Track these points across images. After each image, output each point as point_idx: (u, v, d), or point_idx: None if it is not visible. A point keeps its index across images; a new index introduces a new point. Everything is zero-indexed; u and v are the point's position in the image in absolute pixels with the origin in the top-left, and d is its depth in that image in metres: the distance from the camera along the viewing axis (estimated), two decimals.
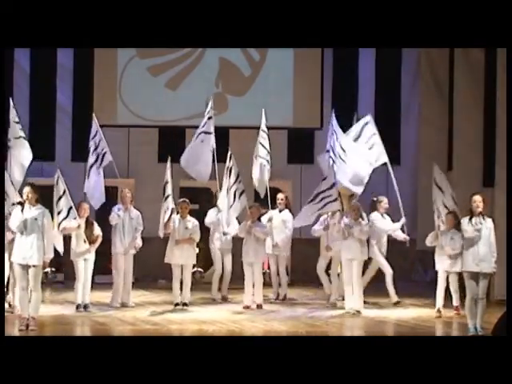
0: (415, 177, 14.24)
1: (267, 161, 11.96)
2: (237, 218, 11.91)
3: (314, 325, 10.25)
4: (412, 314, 11.20)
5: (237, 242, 12.03)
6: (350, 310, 10.99)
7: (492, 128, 12.40)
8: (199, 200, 12.32)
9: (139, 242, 11.54)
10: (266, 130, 12.04)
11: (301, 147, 15.12)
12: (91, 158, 11.51)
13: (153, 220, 11.57)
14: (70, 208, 10.49)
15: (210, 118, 11.86)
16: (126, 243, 11.37)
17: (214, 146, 11.79)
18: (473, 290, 9.27)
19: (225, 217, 11.48)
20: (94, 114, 11.79)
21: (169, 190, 11.07)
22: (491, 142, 12.43)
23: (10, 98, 11.77)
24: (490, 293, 11.17)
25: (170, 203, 11.02)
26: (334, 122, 11.69)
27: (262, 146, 12.00)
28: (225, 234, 11.87)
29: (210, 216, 12.08)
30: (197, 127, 12.06)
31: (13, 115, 11.41)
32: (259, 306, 11.30)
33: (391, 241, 12.09)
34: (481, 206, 9.28)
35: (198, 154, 11.76)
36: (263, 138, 12.03)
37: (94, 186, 11.40)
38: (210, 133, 11.82)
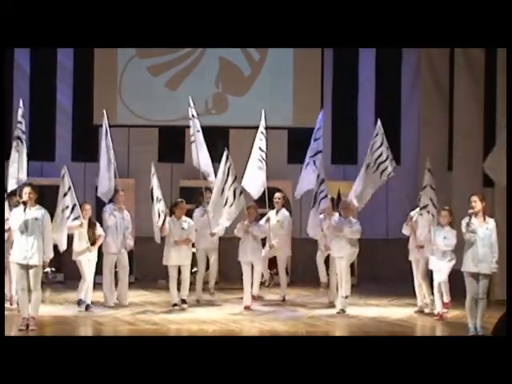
0: (415, 177, 14.22)
1: (263, 161, 11.90)
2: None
3: (314, 325, 10.26)
4: (412, 313, 11.20)
5: (236, 242, 12.02)
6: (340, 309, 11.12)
7: (492, 128, 12.40)
8: (199, 200, 12.27)
9: (131, 242, 11.57)
10: (264, 131, 11.98)
11: (301, 147, 15.06)
12: (108, 155, 11.50)
13: (152, 220, 11.56)
14: (74, 205, 10.53)
15: (193, 117, 11.84)
16: (118, 243, 11.40)
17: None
18: (473, 289, 9.28)
19: (217, 216, 11.45)
20: (104, 111, 11.74)
21: (159, 195, 11.05)
22: (491, 141, 12.42)
23: (21, 100, 11.75)
24: (490, 293, 11.17)
25: (162, 206, 11.02)
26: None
27: (259, 148, 11.97)
28: (212, 234, 11.81)
29: (195, 217, 11.98)
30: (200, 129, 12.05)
31: (18, 115, 11.42)
32: (255, 298, 11.34)
33: (391, 241, 12.09)
34: (475, 207, 9.28)
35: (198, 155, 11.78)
36: (260, 139, 11.98)
37: (110, 180, 11.45)
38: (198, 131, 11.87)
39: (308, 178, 12.13)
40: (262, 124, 11.94)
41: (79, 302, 10.85)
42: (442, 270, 10.55)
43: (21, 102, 11.59)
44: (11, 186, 10.99)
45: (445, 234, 10.45)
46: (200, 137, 11.87)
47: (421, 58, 14.68)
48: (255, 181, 11.90)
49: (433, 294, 10.88)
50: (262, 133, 11.97)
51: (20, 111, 11.42)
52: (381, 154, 11.50)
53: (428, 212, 10.72)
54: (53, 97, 14.76)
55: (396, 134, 14.87)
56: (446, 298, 10.81)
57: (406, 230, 11.31)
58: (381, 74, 14.97)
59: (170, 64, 14.87)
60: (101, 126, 11.74)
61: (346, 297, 11.13)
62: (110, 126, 11.83)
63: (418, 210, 11.12)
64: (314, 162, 12.15)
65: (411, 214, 11.25)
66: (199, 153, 11.75)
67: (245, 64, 14.97)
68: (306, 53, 14.50)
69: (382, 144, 11.50)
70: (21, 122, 11.34)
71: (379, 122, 11.62)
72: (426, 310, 11.19)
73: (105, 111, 11.71)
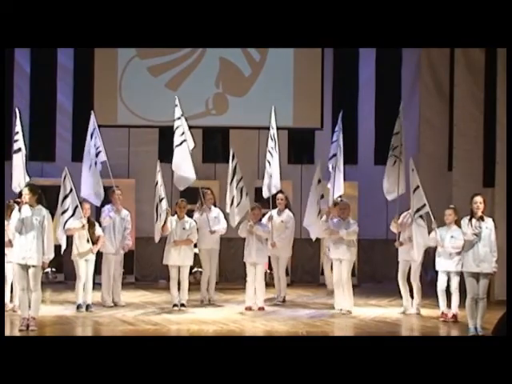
0: None
1: (267, 161, 11.84)
2: (225, 218, 11.89)
3: (314, 325, 10.25)
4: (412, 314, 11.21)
5: (236, 242, 12.03)
6: (341, 310, 11.03)
7: (492, 128, 12.40)
8: (199, 200, 12.28)
9: (129, 242, 11.55)
10: (270, 130, 11.85)
11: (301, 147, 15.11)
12: (92, 156, 11.46)
13: (153, 220, 11.57)
14: (76, 207, 10.53)
15: (179, 118, 11.57)
16: (116, 243, 11.40)
17: (192, 145, 11.72)
18: (473, 290, 9.27)
19: (231, 214, 11.47)
20: (92, 111, 11.72)
21: (162, 193, 11.04)
22: (491, 142, 12.44)
23: (17, 108, 11.84)
24: (490, 293, 11.17)
25: (164, 205, 11.00)
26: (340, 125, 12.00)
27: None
28: (212, 232, 11.78)
29: (196, 217, 11.92)
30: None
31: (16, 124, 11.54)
32: (261, 309, 11.20)
33: (391, 241, 12.07)
34: (481, 208, 9.25)
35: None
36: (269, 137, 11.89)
37: (96, 182, 11.37)
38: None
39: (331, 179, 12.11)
40: (271, 123, 11.79)
41: (78, 307, 10.84)
42: (451, 277, 10.46)
43: (16, 110, 11.65)
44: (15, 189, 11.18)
45: (452, 234, 10.35)
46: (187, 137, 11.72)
47: (421, 58, 14.69)
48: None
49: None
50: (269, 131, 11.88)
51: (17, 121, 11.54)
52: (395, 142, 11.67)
53: (423, 215, 10.63)
54: (53, 97, 14.75)
55: None
56: (455, 311, 10.58)
57: (393, 227, 11.29)
58: (381, 74, 14.97)
59: (170, 64, 14.86)
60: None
61: (350, 312, 11.08)
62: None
63: (410, 211, 11.07)
64: (333, 166, 12.08)
65: (404, 214, 11.24)
66: (185, 154, 11.59)
67: (245, 64, 14.96)
68: (306, 53, 14.51)
69: (398, 132, 11.61)
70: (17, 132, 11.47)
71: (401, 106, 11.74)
72: (412, 311, 11.17)
73: (93, 112, 11.66)
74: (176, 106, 11.59)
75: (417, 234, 10.68)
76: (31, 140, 14.43)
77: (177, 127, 11.47)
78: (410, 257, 11.09)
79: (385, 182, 11.61)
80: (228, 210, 11.58)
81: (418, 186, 10.60)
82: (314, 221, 11.51)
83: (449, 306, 10.62)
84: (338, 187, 11.83)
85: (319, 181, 11.60)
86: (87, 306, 10.87)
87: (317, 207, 11.42)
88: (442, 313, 10.61)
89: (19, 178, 11.38)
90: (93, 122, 11.52)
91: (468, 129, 13.07)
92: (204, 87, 14.70)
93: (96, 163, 11.41)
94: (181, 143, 11.44)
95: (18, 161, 11.47)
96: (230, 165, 11.48)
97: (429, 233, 10.64)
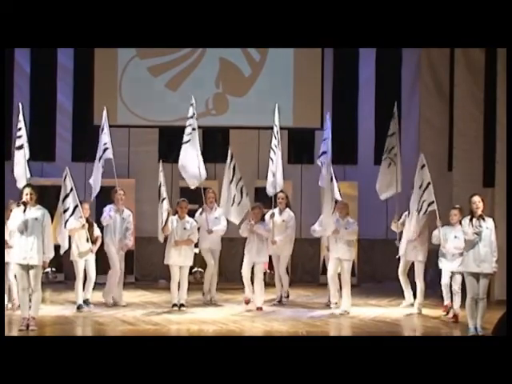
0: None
1: (270, 159, 11.83)
2: (226, 218, 11.89)
3: (314, 325, 10.26)
4: (411, 313, 11.19)
5: (240, 242, 12.02)
6: (336, 303, 11.04)
7: (492, 128, 12.41)
8: (199, 200, 12.30)
9: (128, 242, 11.53)
10: (274, 127, 11.85)
11: (301, 147, 15.10)
12: (100, 152, 11.55)
13: (153, 220, 11.58)
14: (76, 206, 10.54)
15: (191, 117, 11.76)
16: (116, 243, 11.39)
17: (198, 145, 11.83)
18: (473, 290, 9.28)
19: (227, 213, 11.48)
20: (105, 107, 11.79)
21: (164, 193, 11.05)
22: (491, 142, 12.44)
23: (20, 104, 11.88)
24: (490, 293, 11.17)
25: (166, 205, 11.00)
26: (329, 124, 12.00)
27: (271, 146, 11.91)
28: (209, 232, 11.76)
29: (197, 217, 11.91)
30: (197, 127, 12.02)
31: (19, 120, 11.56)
32: (259, 309, 11.18)
33: (391, 241, 12.07)
34: (480, 207, 9.27)
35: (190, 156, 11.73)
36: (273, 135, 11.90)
37: (96, 178, 11.47)
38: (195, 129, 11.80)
39: (321, 177, 12.15)
40: (275, 120, 11.75)
41: (79, 307, 10.84)
42: (453, 277, 10.43)
43: (20, 106, 11.65)
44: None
45: (456, 234, 10.31)
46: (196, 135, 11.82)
47: (421, 58, 14.68)
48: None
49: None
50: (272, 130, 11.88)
51: (20, 116, 11.54)
52: (390, 143, 11.72)
53: (431, 210, 10.61)
54: (53, 97, 14.75)
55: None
56: (446, 301, 10.66)
57: (394, 227, 11.32)
58: (381, 74, 14.96)
59: (170, 64, 14.86)
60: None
61: (347, 312, 11.08)
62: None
63: (411, 207, 11.00)
64: (322, 163, 12.11)
65: (405, 213, 11.24)
66: (193, 152, 11.66)
67: (245, 64, 14.96)
68: (306, 53, 14.51)
69: (393, 133, 11.65)
70: (20, 128, 11.46)
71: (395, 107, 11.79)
72: (414, 311, 11.17)
73: (105, 108, 11.73)
74: (191, 104, 11.74)
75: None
76: (31, 140, 14.42)
77: (188, 125, 11.68)
78: (413, 256, 11.09)
79: (378, 182, 11.72)
80: (221, 208, 11.59)
81: (429, 183, 10.56)
82: (326, 217, 11.40)
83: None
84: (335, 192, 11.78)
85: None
86: (86, 301, 10.86)
87: (332, 204, 11.30)
88: (446, 305, 10.60)
89: (20, 175, 11.32)
90: (104, 119, 11.59)
91: (468, 129, 13.07)
92: (204, 87, 14.69)
93: (100, 159, 11.48)
94: (186, 141, 11.64)
95: (20, 158, 11.43)
96: (229, 165, 11.51)
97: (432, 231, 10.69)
